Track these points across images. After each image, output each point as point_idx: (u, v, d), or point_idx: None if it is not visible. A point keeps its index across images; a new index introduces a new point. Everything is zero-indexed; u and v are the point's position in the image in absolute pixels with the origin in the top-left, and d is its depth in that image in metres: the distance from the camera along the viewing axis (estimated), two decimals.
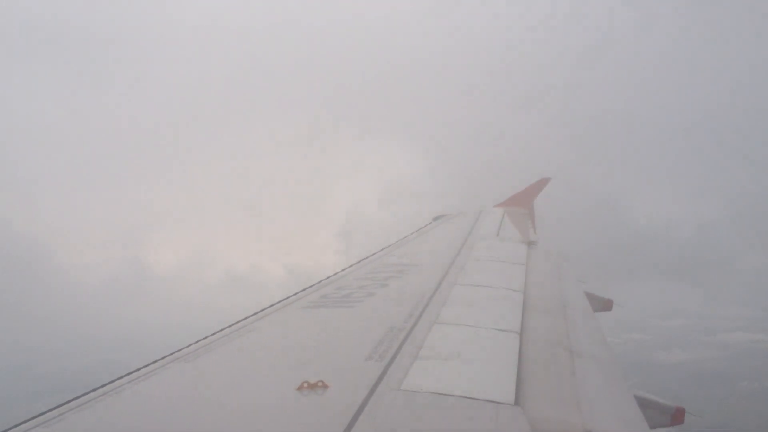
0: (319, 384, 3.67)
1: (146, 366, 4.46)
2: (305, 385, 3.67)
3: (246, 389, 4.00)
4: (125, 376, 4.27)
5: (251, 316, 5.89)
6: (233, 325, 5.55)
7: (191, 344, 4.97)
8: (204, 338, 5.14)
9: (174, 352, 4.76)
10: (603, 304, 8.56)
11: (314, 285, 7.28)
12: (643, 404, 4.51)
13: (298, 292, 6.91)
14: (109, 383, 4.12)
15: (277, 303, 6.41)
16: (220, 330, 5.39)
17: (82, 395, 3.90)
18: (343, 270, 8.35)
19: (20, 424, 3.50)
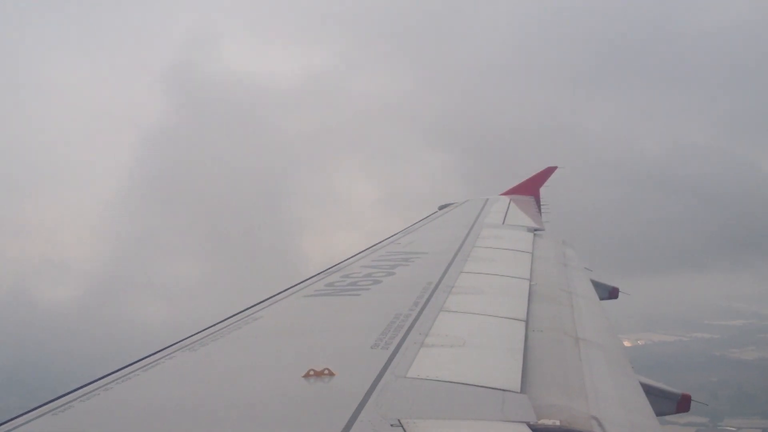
0: (326, 372, 3.68)
1: (153, 354, 4.48)
2: (311, 372, 3.67)
3: (252, 377, 4.01)
4: (132, 364, 4.29)
5: (257, 304, 5.90)
6: (239, 313, 5.56)
7: (197, 332, 4.99)
8: (210, 326, 5.16)
9: (180, 341, 4.77)
10: (609, 292, 8.56)
11: (320, 273, 7.28)
12: (649, 391, 4.50)
13: (304, 280, 6.91)
14: (116, 371, 4.14)
15: (282, 291, 6.42)
16: (227, 318, 5.40)
17: (90, 383, 3.92)
18: (349, 258, 8.35)
19: (27, 412, 3.52)
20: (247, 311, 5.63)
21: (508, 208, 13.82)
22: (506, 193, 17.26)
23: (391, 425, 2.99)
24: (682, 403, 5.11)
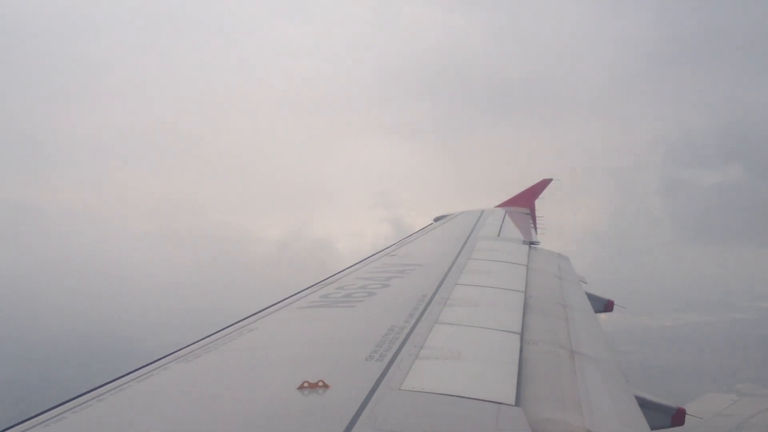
0: (320, 384, 3.67)
1: (146, 365, 4.46)
2: (306, 384, 3.66)
3: (247, 389, 4.00)
4: (125, 375, 4.27)
5: (252, 315, 5.89)
6: (234, 324, 5.55)
7: (192, 343, 4.97)
8: (205, 337, 5.14)
9: (174, 352, 4.75)
10: (604, 305, 8.57)
11: (315, 285, 7.27)
12: (644, 405, 4.50)
13: (298, 292, 6.90)
14: (109, 383, 4.12)
15: (278, 302, 6.41)
16: (221, 329, 5.39)
17: (82, 394, 3.90)
18: (345, 269, 8.34)
19: (19, 423, 3.50)
20: (241, 322, 5.62)
21: (504, 220, 13.86)
22: (502, 205, 17.32)
23: None
24: (677, 417, 5.10)
